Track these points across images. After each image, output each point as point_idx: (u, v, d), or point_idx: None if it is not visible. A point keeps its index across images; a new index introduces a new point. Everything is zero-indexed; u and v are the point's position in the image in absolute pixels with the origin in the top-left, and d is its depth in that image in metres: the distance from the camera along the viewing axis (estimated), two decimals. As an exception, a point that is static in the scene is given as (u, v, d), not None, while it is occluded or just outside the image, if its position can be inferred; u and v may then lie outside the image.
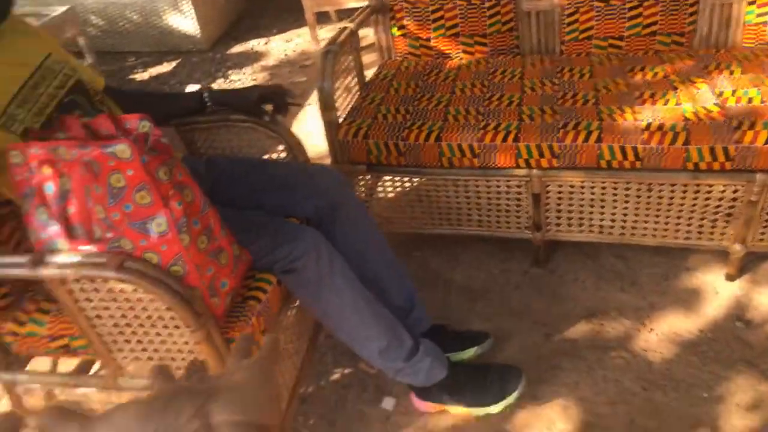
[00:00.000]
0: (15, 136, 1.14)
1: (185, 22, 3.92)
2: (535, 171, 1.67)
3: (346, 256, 1.35)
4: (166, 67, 3.86)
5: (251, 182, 1.43)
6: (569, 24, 2.00)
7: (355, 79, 1.99)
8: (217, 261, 1.13)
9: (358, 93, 2.01)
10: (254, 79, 3.55)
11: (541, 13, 2.01)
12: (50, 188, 1.04)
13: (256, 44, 4.02)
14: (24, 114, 1.16)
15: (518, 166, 1.68)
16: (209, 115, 1.48)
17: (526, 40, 2.06)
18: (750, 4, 1.90)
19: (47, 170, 1.02)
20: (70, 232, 1.05)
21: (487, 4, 2.03)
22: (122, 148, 0.94)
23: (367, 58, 2.14)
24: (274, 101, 1.44)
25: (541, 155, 1.65)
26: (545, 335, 1.70)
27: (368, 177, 1.84)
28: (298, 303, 1.43)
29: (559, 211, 1.75)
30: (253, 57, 3.84)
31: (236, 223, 1.21)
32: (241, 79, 3.58)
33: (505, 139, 1.66)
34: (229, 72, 3.67)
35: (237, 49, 4.00)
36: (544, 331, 1.71)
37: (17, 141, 1.11)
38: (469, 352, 1.58)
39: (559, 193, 1.72)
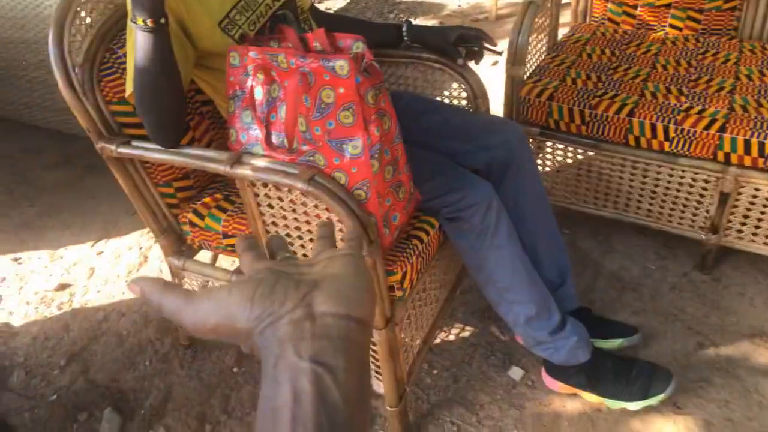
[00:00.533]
0: (232, 40, 1.20)
1: (366, -42, 3.94)
2: (733, 168, 1.51)
3: (507, 214, 1.31)
4: (340, 2, 3.92)
5: (427, 122, 1.41)
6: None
7: (546, 39, 1.89)
8: (396, 194, 1.13)
9: (545, 53, 1.91)
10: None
11: (776, -5, 1.77)
12: (259, 93, 1.09)
13: (431, -9, 3.97)
14: (243, 20, 1.21)
15: (714, 159, 1.52)
16: (402, 49, 1.47)
17: (748, 23, 1.83)
18: None
19: (260, 75, 1.07)
20: (269, 138, 1.10)
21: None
22: (341, 64, 0.95)
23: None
24: (471, 45, 1.39)
25: (747, 152, 1.47)
26: (698, 344, 1.57)
27: (537, 141, 1.76)
28: (445, 253, 1.42)
29: (746, 216, 1.58)
30: (426, 4, 3.79)
31: (412, 160, 1.21)
32: (412, 24, 3.56)
33: (707, 127, 1.50)
34: (401, 15, 3.65)
35: (412, -7, 3.97)
36: (697, 340, 1.58)
37: (234, 45, 1.17)
38: (614, 343, 1.50)
39: (754, 197, 1.54)
